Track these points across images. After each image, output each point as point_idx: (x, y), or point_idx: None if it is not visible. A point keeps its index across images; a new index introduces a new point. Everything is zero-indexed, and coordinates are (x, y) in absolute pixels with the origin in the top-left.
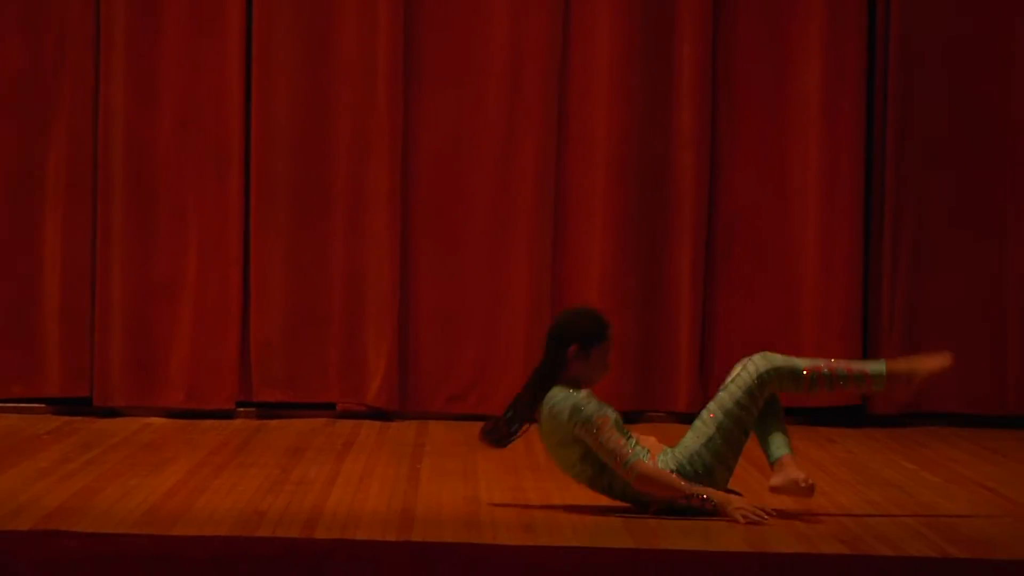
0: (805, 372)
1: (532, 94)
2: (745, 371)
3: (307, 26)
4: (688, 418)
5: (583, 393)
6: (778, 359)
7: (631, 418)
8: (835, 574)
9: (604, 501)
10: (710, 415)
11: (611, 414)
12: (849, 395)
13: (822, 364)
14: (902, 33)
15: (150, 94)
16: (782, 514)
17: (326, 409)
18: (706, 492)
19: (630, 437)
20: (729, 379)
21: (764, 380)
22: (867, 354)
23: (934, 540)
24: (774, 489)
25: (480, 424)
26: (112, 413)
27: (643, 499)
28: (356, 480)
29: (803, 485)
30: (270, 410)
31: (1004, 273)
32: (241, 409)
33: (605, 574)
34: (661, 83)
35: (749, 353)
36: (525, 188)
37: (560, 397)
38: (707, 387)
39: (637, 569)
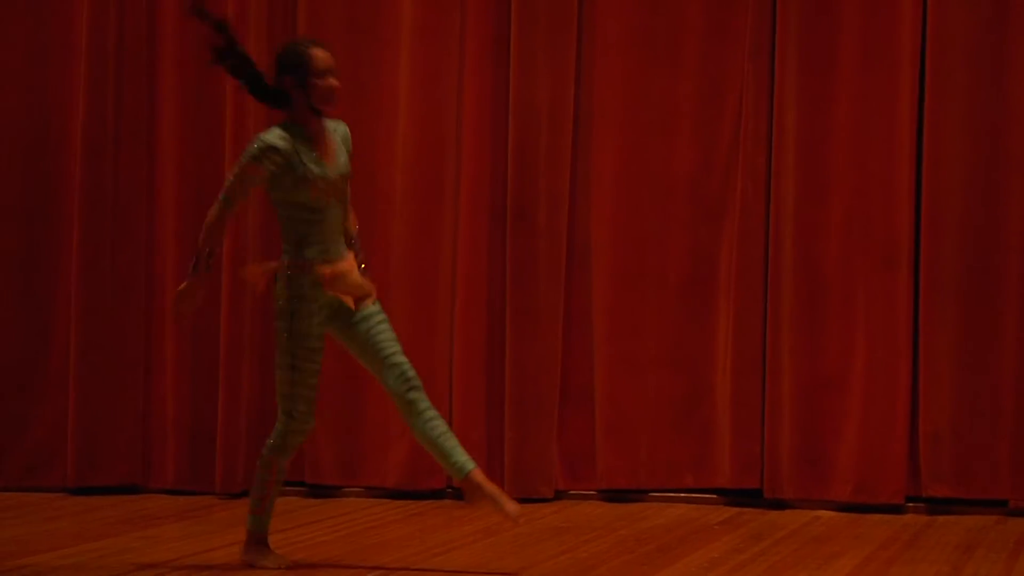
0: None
1: None
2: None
3: (979, 115)
4: None
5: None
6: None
7: None
8: None
9: None
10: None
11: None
12: None
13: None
14: None
15: (819, 188)
16: None
17: (998, 506)
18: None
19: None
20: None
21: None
22: None
23: None
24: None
25: None
26: (781, 505)
27: None
28: None
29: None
30: (939, 505)
31: None
32: (910, 504)
33: None
34: None
35: None
36: None
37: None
38: None
39: None
